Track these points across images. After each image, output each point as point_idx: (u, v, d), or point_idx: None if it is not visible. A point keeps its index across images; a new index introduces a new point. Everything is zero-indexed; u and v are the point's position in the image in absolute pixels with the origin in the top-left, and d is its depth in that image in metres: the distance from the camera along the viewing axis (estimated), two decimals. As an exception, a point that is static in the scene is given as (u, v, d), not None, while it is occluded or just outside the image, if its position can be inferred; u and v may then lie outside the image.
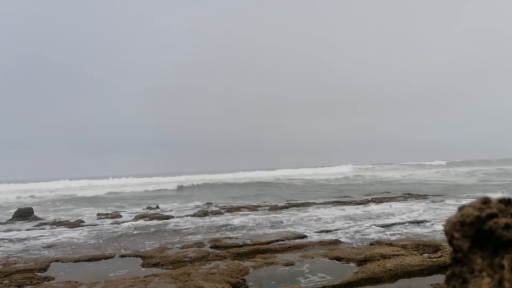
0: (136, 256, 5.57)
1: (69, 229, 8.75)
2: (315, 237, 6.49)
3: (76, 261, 5.43)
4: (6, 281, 4.49)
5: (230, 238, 6.59)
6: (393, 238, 6.15)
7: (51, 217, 11.79)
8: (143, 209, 13.46)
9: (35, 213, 11.85)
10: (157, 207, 13.88)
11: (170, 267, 4.90)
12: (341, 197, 15.20)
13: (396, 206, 10.67)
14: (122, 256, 5.64)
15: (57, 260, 5.47)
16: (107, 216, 10.93)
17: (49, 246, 6.63)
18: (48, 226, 9.41)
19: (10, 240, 7.43)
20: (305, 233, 6.80)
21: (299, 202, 13.13)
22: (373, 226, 7.47)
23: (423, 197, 13.24)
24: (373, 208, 10.45)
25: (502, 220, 0.92)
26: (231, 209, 11.24)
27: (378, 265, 4.42)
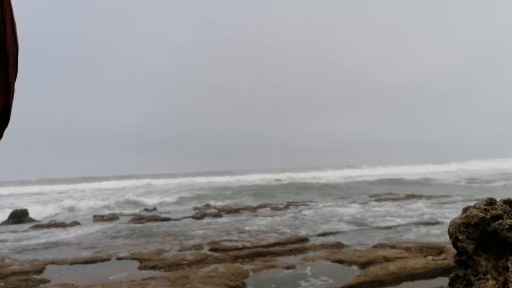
0: (133, 258, 5.51)
1: (65, 231, 8.70)
2: (316, 240, 6.41)
3: (72, 263, 5.38)
4: (2, 284, 4.45)
5: (229, 240, 6.51)
6: (396, 240, 6.05)
7: (47, 219, 11.76)
8: (140, 210, 13.43)
9: (30, 215, 11.82)
10: (155, 208, 13.85)
11: (168, 270, 4.83)
12: (342, 197, 15.10)
13: (399, 207, 10.57)
14: (119, 258, 5.58)
15: (53, 263, 5.42)
16: (103, 218, 10.87)
17: (45, 248, 6.58)
18: (44, 228, 9.36)
19: (6, 242, 7.39)
20: (306, 236, 6.72)
21: (300, 202, 13.04)
22: (376, 228, 7.38)
23: (427, 197, 13.13)
24: (376, 208, 10.35)
25: (507, 222, 0.86)
26: (230, 211, 11.17)
27: (381, 268, 4.34)
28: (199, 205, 14.47)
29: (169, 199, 17.87)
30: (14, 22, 0.59)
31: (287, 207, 11.89)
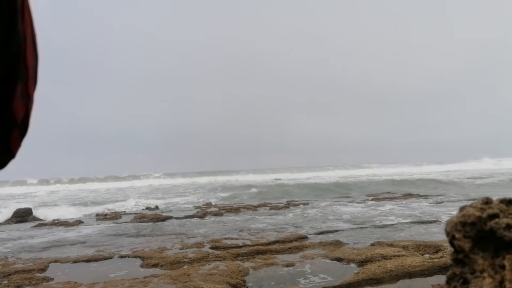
0: (135, 256, 5.55)
1: (68, 229, 8.74)
2: (315, 238, 6.47)
3: (75, 261, 5.42)
4: (5, 282, 4.47)
5: (229, 238, 6.57)
6: (393, 238, 6.13)
7: (50, 218, 11.78)
8: (142, 209, 13.46)
9: (34, 213, 11.84)
10: (156, 207, 13.88)
11: (170, 268, 4.88)
12: (341, 197, 15.17)
13: (396, 205, 10.65)
14: (121, 256, 5.62)
15: (56, 261, 5.46)
16: (106, 217, 10.90)
17: (48, 247, 6.62)
18: (47, 227, 9.40)
19: (9, 240, 7.42)
20: (305, 234, 6.78)
21: (299, 202, 13.11)
22: (374, 226, 7.45)
23: (424, 196, 13.22)
24: (374, 207, 10.43)
25: (503, 221, 0.91)
26: (231, 210, 11.23)
27: (378, 266, 4.40)
28: (200, 204, 14.51)
29: (170, 198, 17.90)
30: (35, 34, 0.57)
31: (286, 206, 11.95)
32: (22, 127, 0.58)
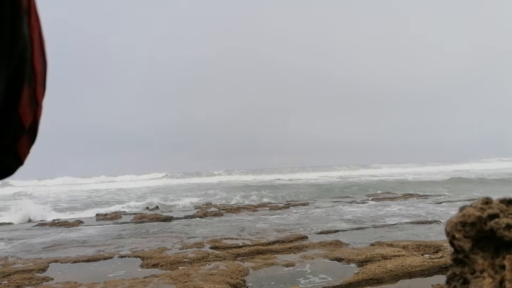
0: (135, 256, 5.56)
1: (68, 229, 8.74)
2: (315, 238, 6.47)
3: (75, 261, 5.42)
4: (5, 282, 4.48)
5: (229, 238, 6.57)
6: (393, 238, 6.13)
7: (50, 218, 11.78)
8: (142, 210, 13.46)
9: (34, 213, 11.84)
10: (157, 207, 13.89)
11: (170, 268, 4.88)
12: (341, 197, 15.17)
13: (396, 206, 10.65)
14: (121, 256, 5.63)
15: (56, 261, 5.46)
16: (106, 216, 10.90)
17: (48, 247, 6.62)
18: (47, 227, 9.40)
19: (9, 240, 7.42)
20: (305, 234, 6.78)
21: (299, 202, 13.11)
22: (374, 226, 7.45)
23: (424, 197, 13.22)
24: (374, 207, 10.43)
25: (504, 221, 0.91)
26: (231, 210, 11.23)
27: (378, 266, 4.41)
28: (200, 204, 14.52)
29: (171, 198, 17.91)
30: (43, 40, 0.56)
31: (286, 206, 11.96)
32: (30, 134, 0.56)
